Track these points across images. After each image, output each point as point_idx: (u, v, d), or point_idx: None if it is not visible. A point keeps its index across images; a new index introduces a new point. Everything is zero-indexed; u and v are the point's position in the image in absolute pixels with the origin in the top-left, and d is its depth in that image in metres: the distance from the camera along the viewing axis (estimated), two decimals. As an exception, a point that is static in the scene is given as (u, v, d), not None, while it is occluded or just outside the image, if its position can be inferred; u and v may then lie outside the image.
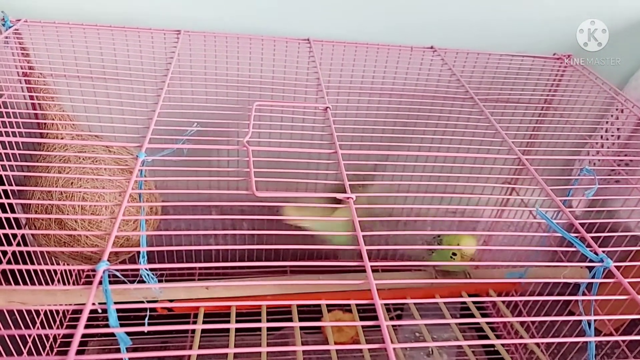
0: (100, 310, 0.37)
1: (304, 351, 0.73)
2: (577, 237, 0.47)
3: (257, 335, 0.70)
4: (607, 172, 0.83)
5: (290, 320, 0.76)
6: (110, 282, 0.37)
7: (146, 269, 0.56)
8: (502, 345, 0.81)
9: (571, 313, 0.97)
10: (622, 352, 0.83)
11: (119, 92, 0.67)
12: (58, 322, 0.87)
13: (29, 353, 0.75)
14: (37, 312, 0.80)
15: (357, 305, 0.79)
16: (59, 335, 0.85)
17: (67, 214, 0.65)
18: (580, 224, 0.49)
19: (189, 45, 0.77)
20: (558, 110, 0.84)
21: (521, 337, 0.83)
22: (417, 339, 0.93)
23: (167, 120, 0.58)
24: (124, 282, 0.45)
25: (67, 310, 0.90)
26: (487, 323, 0.80)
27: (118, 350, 0.36)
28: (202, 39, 0.78)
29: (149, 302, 0.67)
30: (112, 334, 0.37)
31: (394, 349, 0.34)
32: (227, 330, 0.74)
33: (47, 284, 0.85)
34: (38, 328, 0.79)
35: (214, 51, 0.77)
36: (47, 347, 0.82)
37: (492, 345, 0.88)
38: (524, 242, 0.99)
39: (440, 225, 1.01)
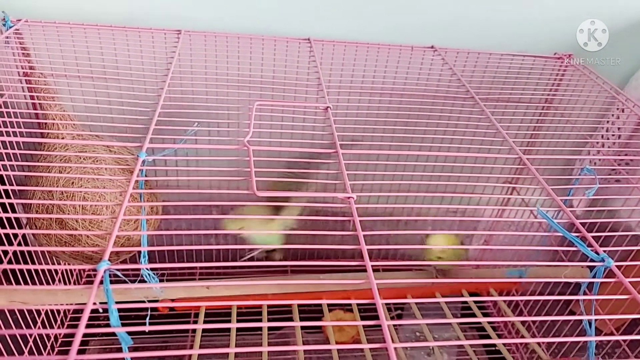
0: (101, 310, 0.37)
1: (304, 351, 0.73)
2: (578, 236, 0.47)
3: (258, 334, 0.71)
4: (607, 172, 0.83)
5: (291, 319, 0.76)
6: (111, 282, 0.37)
7: (147, 269, 0.56)
8: (503, 344, 0.81)
9: (572, 313, 0.97)
10: (623, 351, 0.82)
11: (119, 91, 0.67)
12: (59, 322, 0.87)
13: (30, 353, 0.75)
14: (38, 312, 0.80)
15: (358, 304, 0.79)
16: (60, 335, 0.85)
17: (68, 214, 0.65)
18: (581, 223, 0.49)
19: (190, 45, 0.77)
20: (559, 109, 0.84)
21: (522, 337, 0.83)
22: (417, 339, 0.93)
23: (168, 120, 0.58)
24: (125, 282, 0.45)
25: (68, 310, 0.90)
26: (488, 322, 0.80)
27: (119, 350, 0.37)
28: (202, 39, 0.78)
29: (150, 301, 0.67)
30: (113, 334, 0.37)
31: (395, 348, 0.34)
32: (228, 329, 0.74)
33: (48, 283, 0.85)
34: (39, 328, 0.79)
35: (215, 51, 0.77)
36: (48, 347, 0.82)
37: (493, 345, 0.88)
38: (524, 241, 0.99)
39: (441, 225, 1.01)
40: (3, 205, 0.54)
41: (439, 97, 0.76)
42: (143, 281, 0.57)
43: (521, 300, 0.92)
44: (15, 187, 0.66)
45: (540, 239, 0.86)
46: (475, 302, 0.88)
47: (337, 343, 0.78)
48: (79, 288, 0.64)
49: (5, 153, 0.55)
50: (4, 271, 0.71)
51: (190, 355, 0.71)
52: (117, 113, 0.73)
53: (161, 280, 0.70)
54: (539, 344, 0.80)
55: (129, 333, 0.38)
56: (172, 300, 0.71)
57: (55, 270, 0.88)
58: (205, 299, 0.73)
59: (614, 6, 0.85)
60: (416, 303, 0.81)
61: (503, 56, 0.84)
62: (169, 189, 0.84)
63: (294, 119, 0.78)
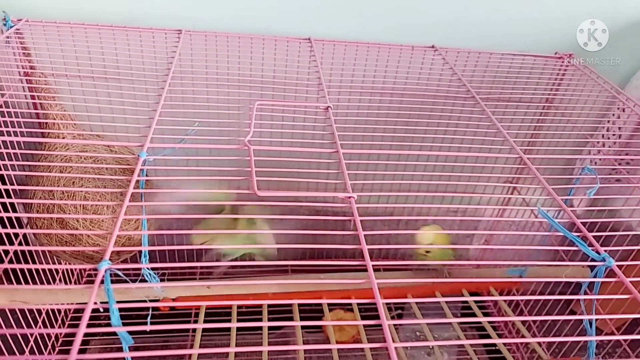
0: (102, 310, 0.37)
1: (305, 350, 0.73)
2: (578, 236, 0.47)
3: (259, 334, 0.71)
4: (608, 171, 0.82)
5: (292, 319, 0.76)
6: (112, 282, 0.37)
7: (148, 268, 0.56)
8: (504, 344, 0.81)
9: (573, 312, 0.97)
10: (624, 351, 0.82)
11: (120, 91, 0.67)
12: (60, 322, 0.87)
13: (31, 352, 0.75)
14: (39, 311, 0.80)
15: (358, 304, 0.79)
16: (60, 334, 0.85)
17: (69, 214, 0.65)
18: (581, 223, 0.49)
19: (190, 45, 0.77)
20: (559, 109, 0.84)
21: (523, 336, 0.83)
22: (418, 338, 0.93)
23: (169, 120, 0.58)
24: (125, 282, 0.45)
25: (69, 310, 0.90)
26: (489, 322, 0.80)
27: (120, 349, 0.37)
28: (203, 39, 0.78)
29: (150, 301, 0.67)
30: (114, 333, 0.37)
31: (395, 348, 0.34)
32: (229, 329, 0.74)
33: (48, 283, 0.85)
34: (40, 327, 0.79)
35: (215, 51, 0.77)
36: (49, 346, 0.82)
37: (494, 345, 0.88)
38: (525, 241, 0.99)
39: (441, 225, 1.01)
40: (4, 204, 0.54)
41: (439, 97, 0.76)
42: (144, 281, 0.57)
43: (522, 300, 0.92)
44: (16, 187, 0.66)
45: (541, 239, 0.86)
46: (476, 301, 0.88)
47: (337, 342, 0.78)
48: (80, 287, 0.64)
49: (6, 153, 0.55)
50: (5, 271, 0.71)
51: (190, 355, 0.71)
52: (117, 113, 0.73)
53: (162, 280, 0.70)
54: (539, 343, 0.80)
55: (130, 332, 0.38)
56: (173, 300, 0.72)
57: (56, 270, 0.88)
58: (205, 298, 0.73)
59: (614, 6, 0.85)
60: (416, 303, 0.81)
61: (504, 56, 0.84)
62: (169, 189, 0.84)
63: (295, 119, 0.79)
